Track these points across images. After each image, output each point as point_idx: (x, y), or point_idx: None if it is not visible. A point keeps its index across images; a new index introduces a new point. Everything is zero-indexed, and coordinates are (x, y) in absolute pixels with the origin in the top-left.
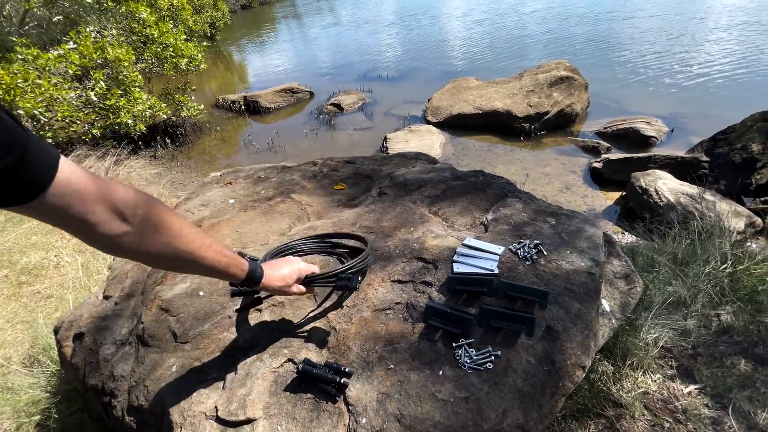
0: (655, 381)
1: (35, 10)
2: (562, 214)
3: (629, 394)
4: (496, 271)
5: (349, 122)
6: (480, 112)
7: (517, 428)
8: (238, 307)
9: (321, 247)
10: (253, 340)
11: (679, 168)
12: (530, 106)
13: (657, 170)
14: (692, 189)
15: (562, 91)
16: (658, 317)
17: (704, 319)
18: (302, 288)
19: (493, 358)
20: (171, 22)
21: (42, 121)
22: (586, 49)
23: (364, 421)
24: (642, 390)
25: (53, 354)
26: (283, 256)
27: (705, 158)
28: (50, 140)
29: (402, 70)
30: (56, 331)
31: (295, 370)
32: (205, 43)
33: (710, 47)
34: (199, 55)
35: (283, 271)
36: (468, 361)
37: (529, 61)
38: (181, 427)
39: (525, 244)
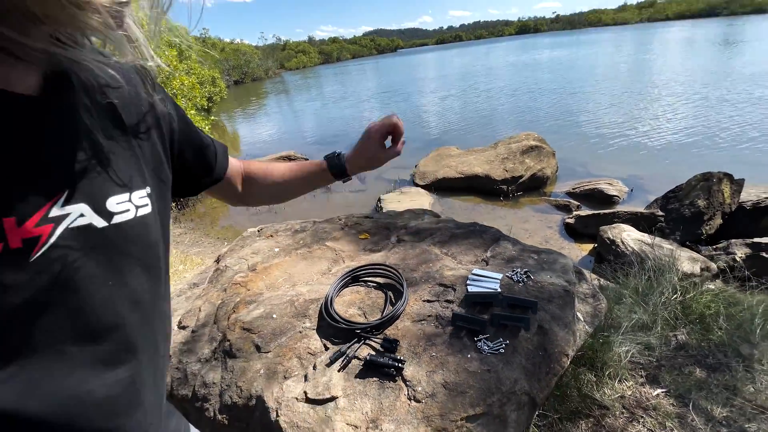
0: (629, 387)
1: None
2: (542, 251)
3: (610, 398)
4: (499, 289)
5: (345, 186)
6: (462, 176)
7: (525, 394)
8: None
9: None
10: (323, 347)
11: (640, 222)
12: (506, 170)
13: (621, 224)
14: (651, 239)
15: (533, 157)
16: (626, 335)
17: (664, 338)
18: (393, 150)
19: (504, 345)
20: (183, 99)
21: None
22: (546, 121)
23: (419, 389)
24: (619, 394)
25: None
26: (346, 284)
27: (660, 213)
28: None
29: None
30: None
31: (362, 363)
32: (212, 117)
33: (655, 118)
34: (206, 127)
35: (362, 152)
36: (486, 348)
37: (498, 131)
38: (277, 410)
39: (517, 271)
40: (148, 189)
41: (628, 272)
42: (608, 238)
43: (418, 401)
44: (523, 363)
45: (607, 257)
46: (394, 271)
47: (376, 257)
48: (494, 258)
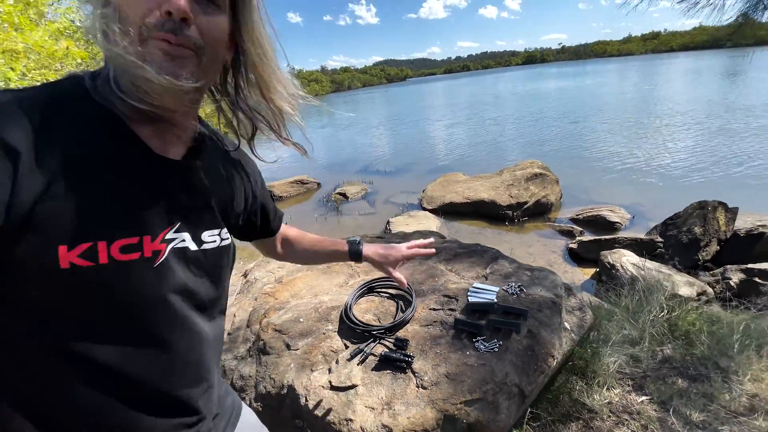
0: (616, 394)
1: None
2: (535, 269)
3: (598, 403)
4: (496, 300)
5: (355, 208)
6: (469, 201)
7: (515, 385)
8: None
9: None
10: (344, 346)
11: (640, 247)
12: (511, 197)
13: (622, 249)
14: (650, 264)
15: (537, 184)
16: (614, 348)
17: (651, 352)
18: (400, 277)
19: (498, 345)
20: None
21: None
22: (550, 149)
23: (426, 378)
24: (607, 400)
25: None
26: (362, 294)
27: (660, 239)
28: None
29: (397, 165)
30: None
31: (377, 358)
32: None
33: (656, 146)
34: None
35: (382, 250)
36: (483, 347)
37: (503, 158)
38: (306, 395)
39: (512, 285)
40: (230, 229)
41: (620, 293)
42: (608, 263)
43: (424, 388)
44: (514, 360)
45: (608, 280)
46: None
47: None
48: (493, 274)
